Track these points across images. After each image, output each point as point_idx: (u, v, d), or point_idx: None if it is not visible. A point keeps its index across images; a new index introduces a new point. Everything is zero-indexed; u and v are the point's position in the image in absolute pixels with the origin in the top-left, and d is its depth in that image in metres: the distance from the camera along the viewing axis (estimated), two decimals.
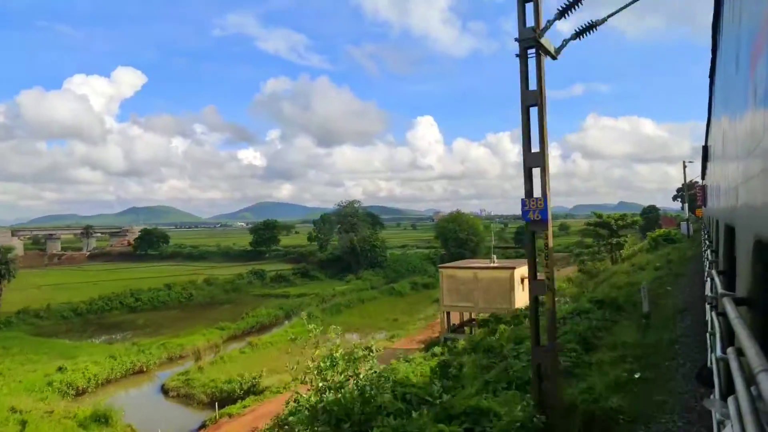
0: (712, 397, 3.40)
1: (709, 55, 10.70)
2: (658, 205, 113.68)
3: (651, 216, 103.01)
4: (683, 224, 49.88)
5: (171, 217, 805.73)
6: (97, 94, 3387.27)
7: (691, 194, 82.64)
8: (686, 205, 60.07)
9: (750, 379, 1.57)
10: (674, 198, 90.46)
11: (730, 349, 1.98)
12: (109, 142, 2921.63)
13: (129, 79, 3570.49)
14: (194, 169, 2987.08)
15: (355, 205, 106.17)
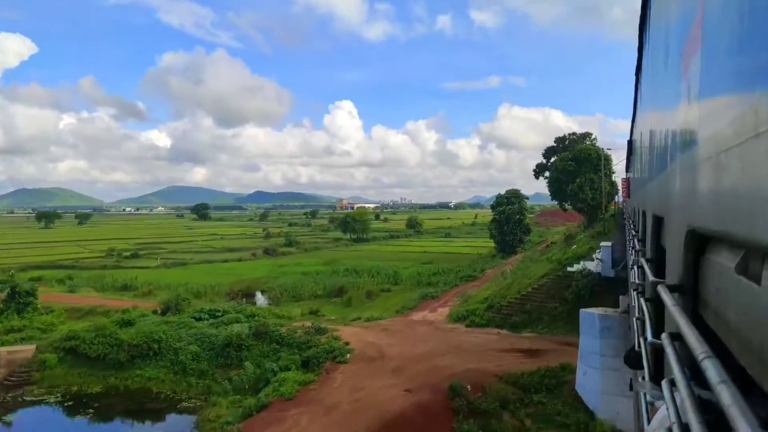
0: (641, 380, 3.53)
1: (632, 53, 11.19)
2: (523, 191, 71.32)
3: (511, 207, 65.04)
4: (603, 247, 23.25)
5: (71, 201, 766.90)
6: None
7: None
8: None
9: (684, 363, 1.64)
10: (536, 174, 58.19)
11: (664, 335, 2.06)
12: None
13: (15, 48, 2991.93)
14: (89, 148, 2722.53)
15: None
